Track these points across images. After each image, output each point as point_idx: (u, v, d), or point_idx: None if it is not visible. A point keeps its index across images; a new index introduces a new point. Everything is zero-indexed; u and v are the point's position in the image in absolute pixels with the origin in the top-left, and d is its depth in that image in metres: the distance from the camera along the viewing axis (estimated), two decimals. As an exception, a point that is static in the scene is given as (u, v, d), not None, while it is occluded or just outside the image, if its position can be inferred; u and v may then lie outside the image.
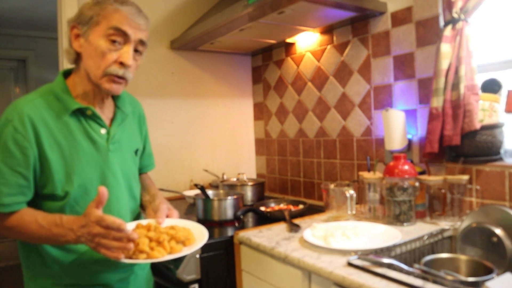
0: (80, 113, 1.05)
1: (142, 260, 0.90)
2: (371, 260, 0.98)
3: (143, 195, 1.26)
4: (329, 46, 1.97)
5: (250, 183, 2.02)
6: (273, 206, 1.80)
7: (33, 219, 0.97)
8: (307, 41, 2.09)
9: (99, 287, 1.09)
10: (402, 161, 1.39)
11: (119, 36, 1.00)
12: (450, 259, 1.07)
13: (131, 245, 0.89)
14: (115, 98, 1.15)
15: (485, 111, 1.33)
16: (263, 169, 2.49)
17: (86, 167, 1.04)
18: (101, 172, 1.06)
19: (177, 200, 2.18)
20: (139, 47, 1.05)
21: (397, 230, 1.23)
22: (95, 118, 1.07)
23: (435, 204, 1.47)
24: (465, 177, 1.33)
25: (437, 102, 1.38)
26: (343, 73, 1.90)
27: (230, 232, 1.49)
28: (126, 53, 1.01)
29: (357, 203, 1.54)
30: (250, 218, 1.70)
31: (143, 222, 1.04)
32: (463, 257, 1.07)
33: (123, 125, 1.15)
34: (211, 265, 1.37)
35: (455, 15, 1.34)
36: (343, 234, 1.21)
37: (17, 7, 3.44)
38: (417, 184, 1.34)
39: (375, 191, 1.47)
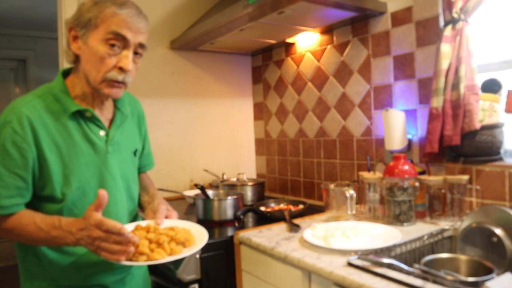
0: (79, 115, 1.04)
1: (143, 262, 0.90)
2: (371, 260, 0.98)
3: (142, 196, 1.26)
4: (329, 46, 1.97)
5: (250, 183, 2.02)
6: (273, 206, 1.80)
7: (31, 221, 0.96)
8: (307, 41, 2.09)
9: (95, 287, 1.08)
10: (402, 161, 1.39)
11: (118, 40, 0.98)
12: (450, 259, 1.07)
13: (132, 248, 0.89)
14: (114, 99, 1.14)
15: (485, 111, 1.33)
16: (263, 169, 2.49)
17: (84, 169, 1.03)
18: (99, 174, 1.06)
19: (177, 200, 2.18)
20: (139, 50, 1.03)
21: (397, 230, 1.23)
22: (94, 120, 1.06)
23: (435, 204, 1.47)
24: (465, 177, 1.33)
25: (437, 102, 1.38)
26: (343, 73, 1.90)
27: (230, 232, 1.49)
28: (126, 58, 0.99)
29: (357, 203, 1.54)
30: (250, 218, 1.70)
31: (142, 223, 1.04)
32: (463, 257, 1.07)
33: (122, 127, 1.14)
34: (211, 265, 1.37)
35: (455, 15, 1.34)
36: (343, 234, 1.21)
37: (17, 7, 3.44)
38: (417, 184, 1.34)
39: (375, 191, 1.47)
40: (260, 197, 2.05)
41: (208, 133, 2.39)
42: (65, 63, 1.93)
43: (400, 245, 1.13)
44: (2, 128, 0.96)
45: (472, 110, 1.31)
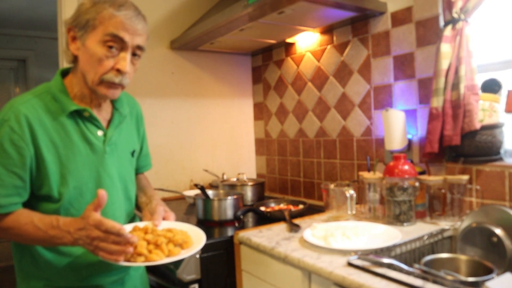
0: (77, 114, 1.04)
1: (141, 263, 0.90)
2: (371, 260, 0.98)
3: (140, 196, 1.26)
4: (329, 46, 1.97)
5: (250, 183, 2.02)
6: (273, 206, 1.80)
7: (29, 220, 0.96)
8: (307, 41, 2.09)
9: None
10: (402, 161, 1.39)
11: (116, 42, 0.98)
12: (450, 259, 1.07)
13: (131, 249, 0.89)
14: (113, 100, 1.13)
15: (485, 111, 1.33)
16: (263, 169, 2.49)
17: (81, 168, 1.03)
18: (96, 174, 1.06)
19: (177, 200, 2.18)
20: (137, 52, 1.03)
21: (397, 230, 1.23)
22: (92, 120, 1.06)
23: (435, 204, 1.47)
24: (465, 177, 1.33)
25: (437, 102, 1.38)
26: (343, 73, 1.90)
27: (230, 232, 1.49)
28: (123, 60, 0.99)
29: (357, 203, 1.54)
30: (250, 218, 1.70)
31: (140, 224, 1.04)
32: (463, 257, 1.07)
33: (120, 127, 1.14)
34: (211, 265, 1.37)
35: (455, 15, 1.34)
36: (343, 234, 1.21)
37: (17, 7, 3.44)
38: (417, 184, 1.34)
39: (375, 191, 1.47)
40: (260, 197, 2.05)
41: (208, 133, 2.39)
42: (65, 63, 1.93)
43: (400, 245, 1.13)
44: (0, 126, 0.96)
45: (472, 110, 1.31)
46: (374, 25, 1.73)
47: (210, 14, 1.96)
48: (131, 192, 1.18)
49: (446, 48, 1.36)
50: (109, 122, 1.11)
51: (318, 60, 2.03)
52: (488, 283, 0.83)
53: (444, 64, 1.36)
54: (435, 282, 0.86)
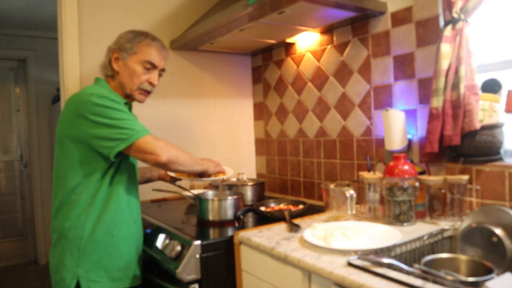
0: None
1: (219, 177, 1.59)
2: (371, 260, 0.98)
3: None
4: (329, 46, 1.97)
5: (250, 183, 2.02)
6: (273, 206, 1.80)
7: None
8: (307, 41, 2.09)
9: None
10: (402, 161, 1.39)
11: (151, 65, 1.47)
12: (450, 259, 1.07)
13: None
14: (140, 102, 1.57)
15: (485, 111, 1.33)
16: (263, 169, 2.49)
17: None
18: None
19: (177, 200, 2.18)
20: (161, 72, 1.53)
21: (397, 230, 1.23)
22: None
23: (435, 204, 1.47)
24: (465, 177, 1.33)
25: (437, 102, 1.38)
26: (343, 73, 1.90)
27: (230, 232, 1.49)
28: (155, 76, 1.49)
29: (357, 203, 1.54)
30: (250, 218, 1.70)
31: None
32: (463, 257, 1.07)
33: None
34: (211, 265, 1.37)
35: (455, 15, 1.34)
36: (343, 234, 1.21)
37: (17, 7, 3.44)
38: (417, 184, 1.34)
39: (375, 191, 1.47)
40: (260, 197, 2.05)
41: (208, 133, 2.39)
42: (65, 63, 1.95)
43: (400, 245, 1.13)
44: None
45: (472, 110, 1.30)
46: (374, 25, 1.73)
47: (210, 14, 1.96)
48: None
49: (446, 48, 1.36)
50: None
51: (318, 60, 2.03)
52: (488, 283, 0.83)
53: (444, 64, 1.36)
54: (435, 282, 0.86)
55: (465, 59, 1.32)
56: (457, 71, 1.34)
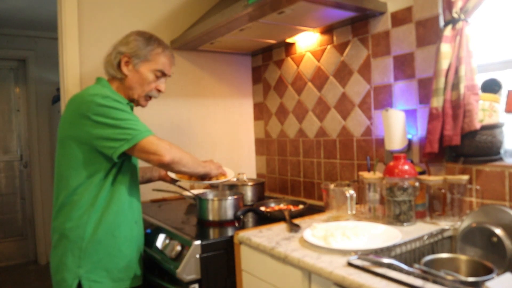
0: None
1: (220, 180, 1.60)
2: (371, 260, 0.98)
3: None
4: (329, 46, 1.97)
5: (250, 183, 2.02)
6: (273, 206, 1.80)
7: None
8: (307, 41, 2.09)
9: None
10: (402, 161, 1.39)
11: (162, 74, 1.50)
12: (450, 259, 1.07)
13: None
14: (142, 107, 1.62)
15: (485, 111, 1.33)
16: (263, 169, 2.50)
17: None
18: None
19: (177, 200, 2.18)
20: (167, 77, 1.55)
21: (397, 230, 1.23)
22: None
23: (435, 204, 1.47)
24: (465, 177, 1.33)
25: (437, 102, 1.38)
26: (343, 73, 1.90)
27: (230, 232, 1.49)
28: (163, 84, 1.53)
29: (357, 203, 1.54)
30: (250, 218, 1.70)
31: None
32: (463, 257, 1.07)
33: None
34: (211, 265, 1.37)
35: (455, 15, 1.34)
36: (343, 234, 1.21)
37: (17, 7, 3.44)
38: (417, 184, 1.34)
39: (375, 191, 1.47)
40: (260, 197, 2.05)
41: (208, 133, 2.39)
42: (65, 63, 1.95)
43: (400, 245, 1.13)
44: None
45: (472, 110, 1.30)
46: (374, 25, 1.73)
47: (210, 14, 1.96)
48: None
49: (446, 48, 1.36)
50: None
51: (318, 60, 2.03)
52: (488, 283, 0.83)
53: (444, 64, 1.36)
54: (435, 282, 0.86)
55: (465, 59, 1.32)
56: (457, 71, 1.34)
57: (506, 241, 1.08)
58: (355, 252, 1.08)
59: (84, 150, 1.32)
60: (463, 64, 1.32)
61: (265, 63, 2.43)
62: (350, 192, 1.44)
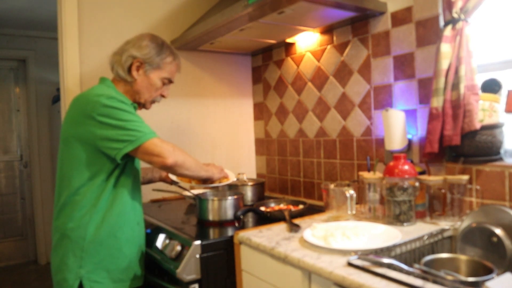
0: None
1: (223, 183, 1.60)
2: (371, 260, 0.98)
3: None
4: (329, 46, 1.97)
5: (250, 183, 2.02)
6: (273, 206, 1.80)
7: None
8: (307, 41, 2.09)
9: None
10: (402, 161, 1.39)
11: (169, 81, 1.53)
12: (450, 259, 1.07)
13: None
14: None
15: (485, 111, 1.33)
16: (263, 169, 2.49)
17: None
18: None
19: (177, 200, 2.18)
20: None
21: (397, 230, 1.23)
22: None
23: (435, 204, 1.47)
24: (465, 177, 1.33)
25: (437, 102, 1.38)
26: (343, 73, 1.90)
27: (230, 232, 1.49)
28: (168, 90, 1.56)
29: (357, 203, 1.54)
30: (250, 218, 1.70)
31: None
32: (463, 257, 1.07)
33: None
34: (211, 265, 1.37)
35: (455, 15, 1.34)
36: (343, 234, 1.21)
37: (17, 7, 3.44)
38: (417, 184, 1.34)
39: (375, 191, 1.47)
40: (260, 197, 2.05)
41: (208, 133, 2.39)
42: (65, 63, 1.95)
43: (400, 245, 1.13)
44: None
45: (472, 110, 1.30)
46: (374, 25, 1.73)
47: (210, 14, 1.96)
48: None
49: (446, 48, 1.36)
50: None
51: (318, 60, 2.03)
52: (488, 283, 0.83)
53: (444, 64, 1.36)
54: (435, 282, 0.86)
55: (465, 59, 1.32)
56: (457, 71, 1.34)
57: (506, 241, 1.08)
58: (355, 252, 1.08)
59: (88, 150, 1.32)
60: (463, 64, 1.32)
61: (265, 63, 2.43)
62: (350, 192, 1.44)
